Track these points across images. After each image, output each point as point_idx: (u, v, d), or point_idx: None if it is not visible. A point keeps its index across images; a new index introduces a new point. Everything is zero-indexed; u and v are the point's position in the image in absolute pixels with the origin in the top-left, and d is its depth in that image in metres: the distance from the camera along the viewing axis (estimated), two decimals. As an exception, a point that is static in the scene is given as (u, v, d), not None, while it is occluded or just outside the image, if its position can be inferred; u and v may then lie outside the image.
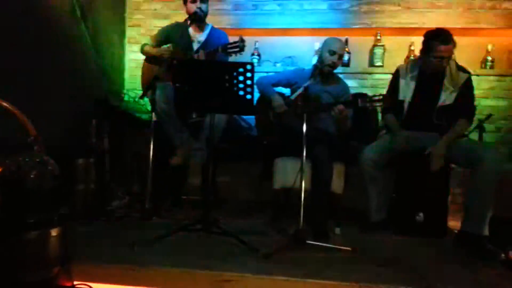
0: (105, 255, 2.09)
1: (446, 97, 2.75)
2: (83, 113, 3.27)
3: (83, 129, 3.23)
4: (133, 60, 4.24)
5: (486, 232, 2.44)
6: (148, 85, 2.89)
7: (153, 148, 2.58)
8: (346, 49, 3.85)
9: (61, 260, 1.86)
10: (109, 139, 3.46)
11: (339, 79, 3.17)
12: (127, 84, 4.22)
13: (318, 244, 2.32)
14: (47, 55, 2.96)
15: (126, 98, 3.76)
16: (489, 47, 3.72)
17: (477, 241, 2.42)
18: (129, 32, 4.26)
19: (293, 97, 2.42)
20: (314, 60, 3.78)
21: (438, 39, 2.62)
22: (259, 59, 4.02)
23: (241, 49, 2.89)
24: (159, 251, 2.20)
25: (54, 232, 1.82)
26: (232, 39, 3.12)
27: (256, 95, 2.80)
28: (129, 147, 3.78)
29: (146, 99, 2.65)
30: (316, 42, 3.82)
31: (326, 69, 2.94)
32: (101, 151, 3.22)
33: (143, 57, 3.47)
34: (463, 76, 2.76)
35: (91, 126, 3.17)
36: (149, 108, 2.74)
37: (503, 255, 2.23)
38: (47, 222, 1.83)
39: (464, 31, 3.72)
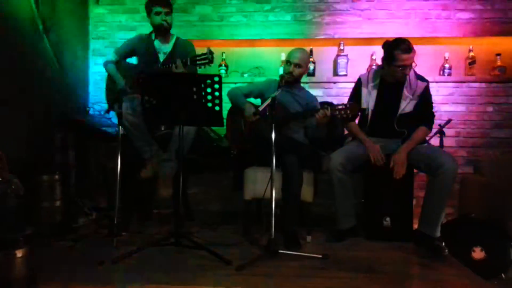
0: (73, 275, 2.03)
1: (406, 106, 2.86)
2: (47, 128, 3.17)
3: (47, 144, 3.13)
4: (98, 72, 4.16)
5: (438, 233, 2.65)
6: (114, 98, 2.85)
7: (120, 162, 2.53)
8: (311, 59, 3.93)
9: (27, 282, 1.80)
10: (74, 154, 3.37)
11: (305, 89, 3.24)
12: (92, 97, 4.14)
13: (290, 253, 2.35)
14: (8, 70, 2.87)
15: (91, 111, 3.68)
16: (447, 55, 3.89)
17: (429, 240, 2.63)
18: (93, 45, 4.20)
19: (261, 107, 2.45)
20: (281, 70, 3.84)
21: (399, 49, 2.70)
22: (226, 70, 4.03)
23: (210, 61, 2.87)
24: (129, 268, 2.16)
25: (19, 253, 1.77)
26: (199, 50, 3.12)
27: (226, 105, 2.81)
28: (95, 161, 3.70)
29: (112, 112, 2.60)
30: (282, 53, 3.89)
31: (286, 78, 2.92)
32: (66, 166, 3.14)
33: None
34: (422, 84, 2.87)
35: (55, 141, 3.08)
36: (116, 121, 2.69)
37: (446, 251, 2.50)
38: (12, 243, 1.77)
39: (422, 40, 3.88)
